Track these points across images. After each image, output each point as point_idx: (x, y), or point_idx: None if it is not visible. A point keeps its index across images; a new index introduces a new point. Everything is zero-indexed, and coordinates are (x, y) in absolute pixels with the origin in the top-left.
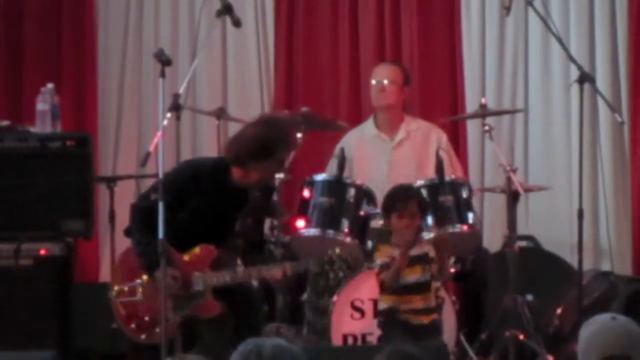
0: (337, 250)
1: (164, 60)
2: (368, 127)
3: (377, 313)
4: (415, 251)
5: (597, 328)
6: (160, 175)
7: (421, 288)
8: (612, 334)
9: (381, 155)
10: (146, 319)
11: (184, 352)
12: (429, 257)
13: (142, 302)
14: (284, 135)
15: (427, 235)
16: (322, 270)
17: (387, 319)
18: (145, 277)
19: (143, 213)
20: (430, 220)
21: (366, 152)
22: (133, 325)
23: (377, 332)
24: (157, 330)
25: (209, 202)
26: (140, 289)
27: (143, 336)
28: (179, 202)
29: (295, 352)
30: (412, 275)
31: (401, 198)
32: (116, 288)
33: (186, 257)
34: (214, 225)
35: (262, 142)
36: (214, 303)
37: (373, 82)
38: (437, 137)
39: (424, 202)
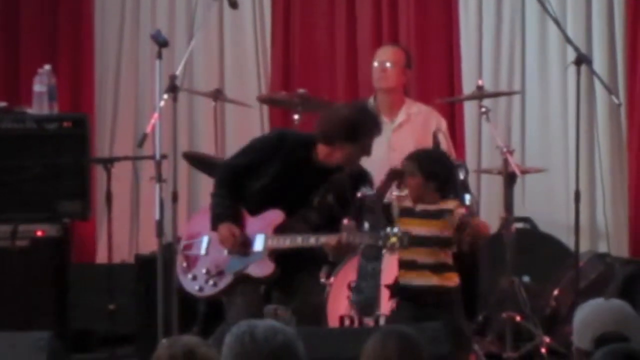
0: (395, 229)
1: (161, 42)
2: None
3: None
4: (434, 207)
5: (591, 309)
6: (157, 156)
7: (436, 242)
8: (606, 312)
9: (381, 137)
10: (203, 271)
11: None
12: (448, 212)
13: (203, 256)
14: (375, 123)
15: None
16: (375, 243)
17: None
18: (211, 231)
19: (230, 169)
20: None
21: None
22: (190, 276)
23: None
24: (211, 282)
25: (288, 171)
26: (205, 244)
27: (196, 287)
28: (258, 164)
29: (288, 333)
30: (427, 228)
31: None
32: (183, 242)
33: (254, 219)
34: (288, 197)
35: (354, 124)
36: (269, 263)
37: (375, 63)
38: (437, 122)
39: (425, 162)
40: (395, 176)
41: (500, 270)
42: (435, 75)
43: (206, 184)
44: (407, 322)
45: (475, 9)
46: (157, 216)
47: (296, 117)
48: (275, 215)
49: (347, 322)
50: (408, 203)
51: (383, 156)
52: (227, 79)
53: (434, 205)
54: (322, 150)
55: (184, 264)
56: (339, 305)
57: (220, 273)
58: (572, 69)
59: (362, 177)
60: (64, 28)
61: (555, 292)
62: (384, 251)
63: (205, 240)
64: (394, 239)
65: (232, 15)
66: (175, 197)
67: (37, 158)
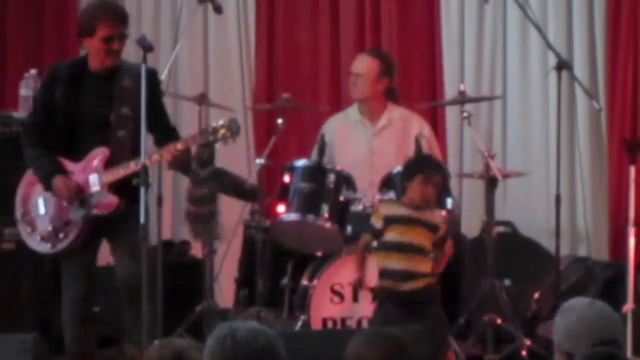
0: (220, 122)
1: (146, 47)
2: (352, 112)
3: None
4: (426, 216)
5: (583, 313)
6: (142, 160)
7: (419, 252)
8: (603, 318)
9: (363, 140)
10: (49, 228)
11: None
12: (436, 227)
13: (44, 215)
14: (99, 10)
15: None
16: (207, 141)
17: (380, 293)
18: (45, 192)
19: (30, 128)
20: None
21: (349, 137)
22: (38, 238)
23: (357, 315)
24: (61, 235)
25: (72, 90)
26: (42, 204)
27: (49, 245)
28: (47, 104)
29: (270, 335)
30: (414, 237)
31: (431, 166)
32: (19, 211)
33: (80, 164)
34: (89, 119)
35: (85, 16)
36: (112, 197)
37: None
38: (419, 127)
39: (447, 181)
40: None
41: (481, 273)
42: (418, 80)
43: None
44: (389, 323)
45: (457, 15)
46: (141, 219)
47: (280, 121)
48: (99, 152)
49: (329, 324)
50: (392, 208)
51: (365, 160)
52: (212, 83)
53: (425, 213)
54: (89, 57)
55: (28, 229)
56: (322, 307)
57: (67, 223)
58: (553, 75)
59: (149, 72)
60: (49, 33)
61: (536, 295)
62: (217, 145)
63: (40, 201)
64: (223, 130)
65: (217, 20)
66: (160, 201)
67: (23, 161)
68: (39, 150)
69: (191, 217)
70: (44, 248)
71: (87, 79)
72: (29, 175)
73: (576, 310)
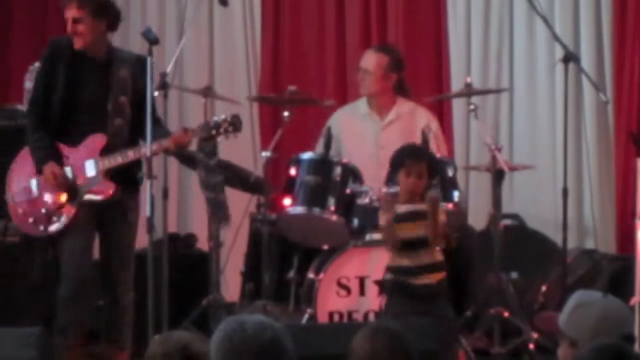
0: (223, 116)
1: (152, 39)
2: (361, 105)
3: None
4: (419, 206)
5: (605, 309)
6: (148, 153)
7: (425, 244)
8: (622, 314)
9: (370, 134)
10: (42, 211)
11: None
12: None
13: (37, 198)
14: None
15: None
16: (209, 135)
17: (393, 285)
18: (38, 175)
19: (33, 109)
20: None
21: (356, 130)
22: (31, 220)
23: (364, 309)
24: (54, 218)
25: (71, 69)
26: (35, 187)
27: (41, 227)
28: (49, 83)
29: (277, 328)
30: (415, 231)
31: (410, 156)
32: (12, 192)
33: (77, 149)
34: (91, 109)
35: None
36: (108, 183)
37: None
38: (427, 120)
39: (434, 163)
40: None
41: (488, 266)
42: (424, 73)
43: (196, 181)
44: (397, 318)
45: (463, 7)
46: (147, 212)
47: (286, 114)
48: (97, 139)
49: (336, 318)
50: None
51: (371, 153)
52: (217, 76)
53: (418, 204)
54: None
55: (20, 211)
56: (328, 300)
57: (61, 207)
58: (560, 67)
59: (143, 61)
60: (54, 25)
61: (543, 288)
62: (219, 139)
63: (34, 183)
64: (225, 125)
65: (222, 13)
66: (165, 194)
67: None
68: (39, 132)
69: (211, 202)
70: (37, 230)
71: (85, 65)
72: (24, 155)
73: (597, 306)
